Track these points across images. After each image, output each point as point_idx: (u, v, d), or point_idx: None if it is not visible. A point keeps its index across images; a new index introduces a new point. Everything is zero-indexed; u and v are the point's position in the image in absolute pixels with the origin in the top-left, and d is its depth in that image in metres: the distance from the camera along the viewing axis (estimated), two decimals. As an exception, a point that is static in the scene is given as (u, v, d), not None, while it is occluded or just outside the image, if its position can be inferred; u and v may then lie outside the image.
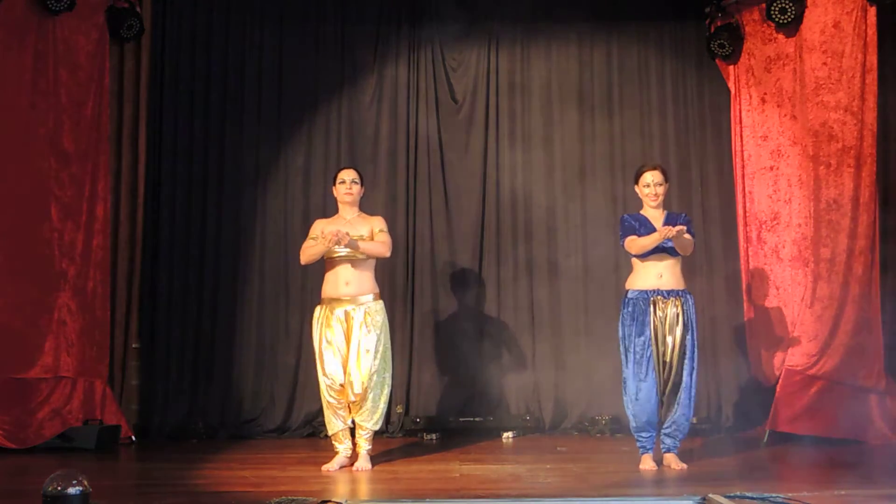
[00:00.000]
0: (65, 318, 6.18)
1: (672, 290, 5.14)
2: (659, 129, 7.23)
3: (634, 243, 5.16)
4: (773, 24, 6.54)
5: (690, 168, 7.16)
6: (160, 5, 6.97)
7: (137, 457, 6.02)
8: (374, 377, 5.18)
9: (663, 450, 5.15)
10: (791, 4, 6.34)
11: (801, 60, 6.39)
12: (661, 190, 5.25)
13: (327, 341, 5.22)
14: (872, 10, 6.15)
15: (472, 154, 7.26)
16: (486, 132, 7.26)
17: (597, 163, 7.21)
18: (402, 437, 6.73)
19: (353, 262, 5.23)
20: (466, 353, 6.96)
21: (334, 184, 5.41)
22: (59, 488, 3.34)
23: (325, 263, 5.31)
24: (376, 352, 5.19)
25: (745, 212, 6.82)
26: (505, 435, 6.62)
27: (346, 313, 5.21)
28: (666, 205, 7.05)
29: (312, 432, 6.78)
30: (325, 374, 5.22)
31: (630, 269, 5.30)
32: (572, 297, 7.08)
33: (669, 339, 5.09)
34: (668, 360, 5.09)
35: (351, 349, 5.19)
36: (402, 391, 6.95)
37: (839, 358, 6.13)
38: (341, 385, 5.19)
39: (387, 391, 5.29)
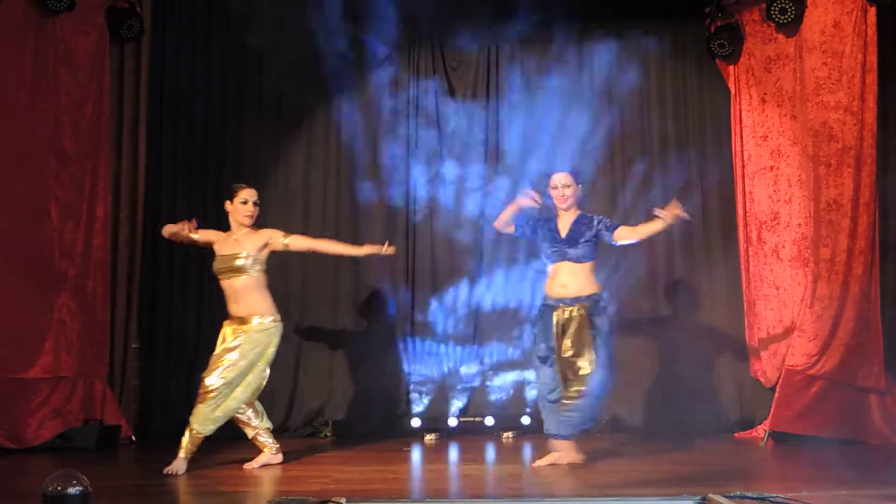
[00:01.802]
0: (65, 318, 6.18)
1: (578, 298, 5.14)
2: (659, 130, 7.23)
3: (498, 218, 5.35)
4: (773, 24, 6.55)
5: (690, 168, 7.16)
6: (160, 5, 6.98)
7: (137, 457, 6.02)
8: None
9: (553, 433, 5.19)
10: (791, 4, 6.35)
11: (801, 60, 6.39)
12: (568, 192, 5.25)
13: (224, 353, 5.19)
14: (872, 10, 6.15)
15: (472, 154, 7.25)
16: (487, 132, 7.26)
17: (597, 162, 7.21)
18: (402, 437, 6.73)
19: (238, 279, 5.19)
20: (466, 354, 6.97)
21: (231, 199, 5.30)
22: (59, 488, 3.33)
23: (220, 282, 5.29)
24: (250, 363, 5.16)
25: (745, 212, 6.82)
26: (505, 435, 6.62)
27: (241, 330, 5.18)
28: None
29: (312, 432, 6.79)
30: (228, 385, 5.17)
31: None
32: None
33: (566, 344, 5.09)
34: (562, 365, 5.10)
35: (242, 362, 5.16)
36: (403, 391, 6.96)
37: (839, 358, 6.13)
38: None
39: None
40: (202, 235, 5.33)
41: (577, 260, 5.18)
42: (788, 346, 6.35)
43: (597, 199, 7.16)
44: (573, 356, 5.07)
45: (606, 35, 7.29)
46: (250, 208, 5.28)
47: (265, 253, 5.29)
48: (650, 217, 5.11)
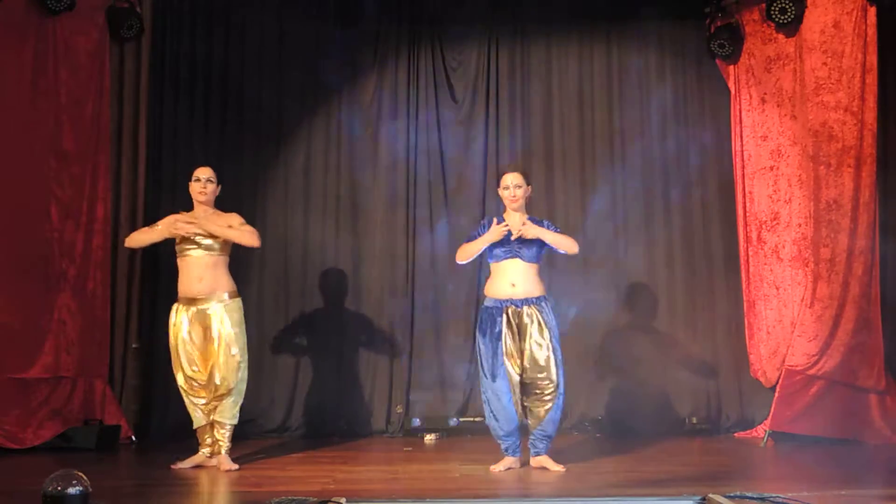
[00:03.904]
0: (65, 318, 6.17)
1: (526, 299, 5.11)
2: (659, 129, 7.23)
3: (463, 250, 5.22)
4: (773, 24, 6.55)
5: (690, 168, 7.16)
6: (160, 5, 6.97)
7: (137, 457, 6.02)
8: (238, 373, 5.21)
9: (534, 453, 5.14)
10: (791, 4, 6.35)
11: (801, 60, 6.39)
12: (519, 192, 5.19)
13: (187, 339, 5.21)
14: (872, 10, 6.15)
15: (472, 153, 7.26)
16: (486, 132, 7.26)
17: (597, 163, 7.22)
18: (402, 437, 6.73)
19: (206, 257, 5.22)
20: (467, 353, 6.96)
21: (190, 180, 5.38)
22: (59, 488, 3.33)
23: (178, 260, 5.30)
24: (240, 349, 5.22)
25: (745, 212, 6.82)
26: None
27: (203, 312, 5.21)
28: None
29: (312, 432, 6.78)
30: (182, 371, 5.22)
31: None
32: (572, 296, 7.07)
33: (527, 347, 5.05)
34: (527, 367, 5.06)
35: (213, 347, 5.19)
36: (403, 391, 6.96)
37: (839, 358, 6.13)
38: (202, 382, 5.22)
39: (243, 387, 5.30)
40: (162, 223, 5.31)
41: (529, 260, 5.13)
42: (788, 346, 6.35)
43: (597, 198, 7.17)
44: (539, 372, 5.02)
45: (606, 35, 7.31)
46: (201, 185, 5.32)
47: None
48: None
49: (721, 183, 7.07)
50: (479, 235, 5.21)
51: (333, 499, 4.01)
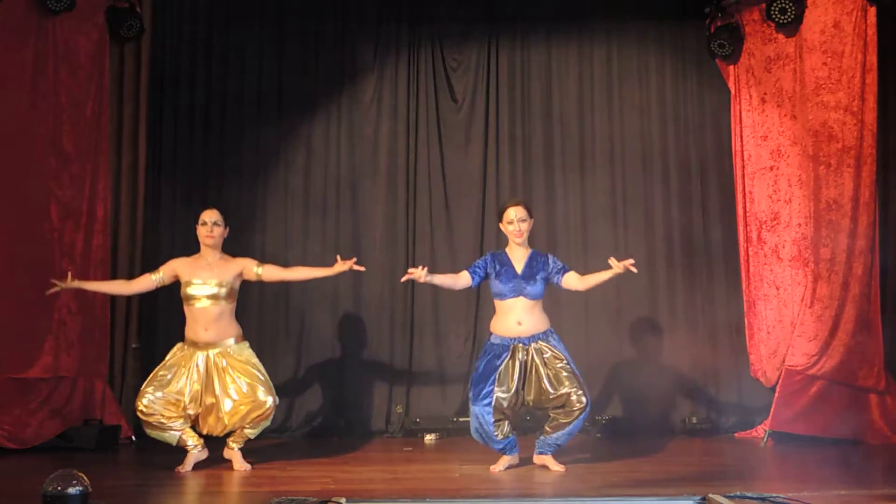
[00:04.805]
0: (65, 318, 6.18)
1: (533, 336, 5.09)
2: (659, 129, 7.23)
3: (452, 279, 5.21)
4: (773, 24, 6.55)
5: (690, 168, 7.16)
6: (160, 5, 6.97)
7: (137, 457, 6.02)
8: (271, 396, 5.17)
9: (538, 451, 5.13)
10: (791, 4, 6.35)
11: (801, 60, 6.39)
12: (524, 226, 5.16)
13: (184, 372, 5.18)
14: (872, 10, 6.15)
15: (472, 154, 7.26)
16: (486, 132, 7.26)
17: (597, 163, 7.21)
18: (402, 437, 6.73)
19: (213, 308, 5.20)
20: (467, 353, 6.96)
21: (197, 223, 5.33)
22: (59, 488, 3.34)
23: (184, 306, 5.27)
24: (250, 386, 5.15)
25: (745, 212, 6.82)
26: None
27: (207, 358, 5.19)
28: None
29: (312, 432, 6.78)
30: (165, 392, 5.13)
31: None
32: (572, 296, 7.05)
33: (543, 376, 5.01)
34: (547, 390, 5.00)
35: (219, 396, 5.15)
36: (403, 391, 6.96)
37: (839, 358, 6.13)
38: (190, 413, 5.17)
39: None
40: (165, 271, 5.30)
41: (534, 297, 5.10)
42: (788, 346, 6.34)
43: (597, 198, 7.17)
44: (563, 394, 4.97)
45: (606, 35, 7.30)
46: (208, 229, 5.27)
47: (239, 281, 5.32)
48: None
49: (721, 183, 7.07)
50: (479, 269, 5.19)
51: (333, 499, 4.01)
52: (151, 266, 6.78)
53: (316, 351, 7.00)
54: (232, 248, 6.94)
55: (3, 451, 5.66)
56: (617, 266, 4.86)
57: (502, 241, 7.14)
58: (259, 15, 7.22)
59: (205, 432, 5.27)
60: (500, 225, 5.27)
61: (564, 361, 5.06)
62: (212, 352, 5.20)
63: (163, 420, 5.13)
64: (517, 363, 5.06)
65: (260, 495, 4.31)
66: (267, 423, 5.27)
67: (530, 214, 5.23)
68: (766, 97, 6.72)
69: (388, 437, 6.77)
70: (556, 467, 5.03)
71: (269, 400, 5.13)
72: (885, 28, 6.24)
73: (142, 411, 5.12)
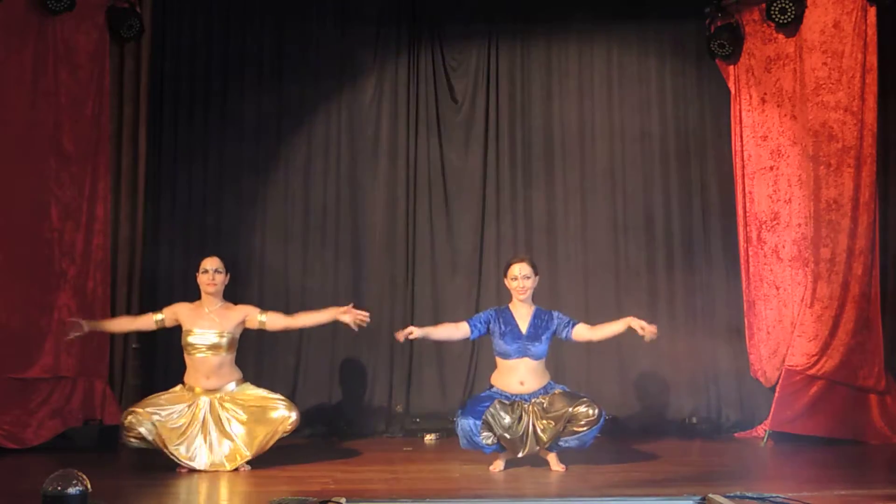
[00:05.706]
0: (65, 318, 6.16)
1: (534, 392, 5.05)
2: (659, 130, 7.22)
3: (448, 329, 5.20)
4: (773, 24, 6.54)
5: (690, 168, 7.17)
6: (160, 5, 6.98)
7: (137, 457, 6.00)
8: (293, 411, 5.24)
9: (546, 448, 5.08)
10: (791, 4, 6.35)
11: (801, 60, 6.39)
12: (528, 283, 5.11)
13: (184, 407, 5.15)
14: (872, 10, 6.15)
15: (472, 153, 7.26)
16: (486, 132, 7.26)
17: (596, 163, 7.21)
18: (402, 437, 6.72)
19: (213, 358, 5.19)
20: (467, 353, 6.96)
21: (198, 271, 5.29)
22: (59, 488, 3.34)
23: (184, 354, 5.25)
24: (253, 420, 5.16)
25: (745, 212, 6.82)
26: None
27: (211, 402, 5.18)
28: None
29: (313, 432, 6.77)
30: (159, 413, 5.09)
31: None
32: (571, 297, 7.07)
33: (534, 429, 4.94)
34: (553, 414, 4.95)
35: (229, 432, 5.14)
36: (403, 391, 6.96)
37: (839, 358, 6.14)
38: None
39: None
40: (167, 314, 5.27)
41: (538, 357, 5.07)
42: (788, 346, 6.34)
43: (597, 198, 7.17)
44: (567, 412, 4.92)
45: (606, 35, 7.30)
46: (209, 277, 5.22)
47: (240, 330, 5.31)
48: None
49: (721, 183, 7.07)
50: (481, 323, 5.16)
51: (333, 499, 4.01)
52: (151, 266, 6.84)
53: (316, 350, 7.00)
54: (232, 247, 7.00)
55: (3, 451, 5.66)
56: (638, 329, 4.93)
57: (502, 241, 7.17)
58: (259, 15, 7.22)
59: (231, 468, 5.12)
60: (504, 280, 5.23)
61: (562, 389, 5.06)
62: (214, 397, 5.20)
63: (141, 439, 5.09)
64: (518, 411, 5.01)
65: (260, 495, 4.31)
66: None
67: (535, 272, 5.18)
68: (766, 97, 6.72)
69: (388, 437, 6.76)
70: (557, 466, 5.03)
71: (292, 415, 5.19)
72: (885, 28, 6.25)
73: (126, 427, 5.10)
